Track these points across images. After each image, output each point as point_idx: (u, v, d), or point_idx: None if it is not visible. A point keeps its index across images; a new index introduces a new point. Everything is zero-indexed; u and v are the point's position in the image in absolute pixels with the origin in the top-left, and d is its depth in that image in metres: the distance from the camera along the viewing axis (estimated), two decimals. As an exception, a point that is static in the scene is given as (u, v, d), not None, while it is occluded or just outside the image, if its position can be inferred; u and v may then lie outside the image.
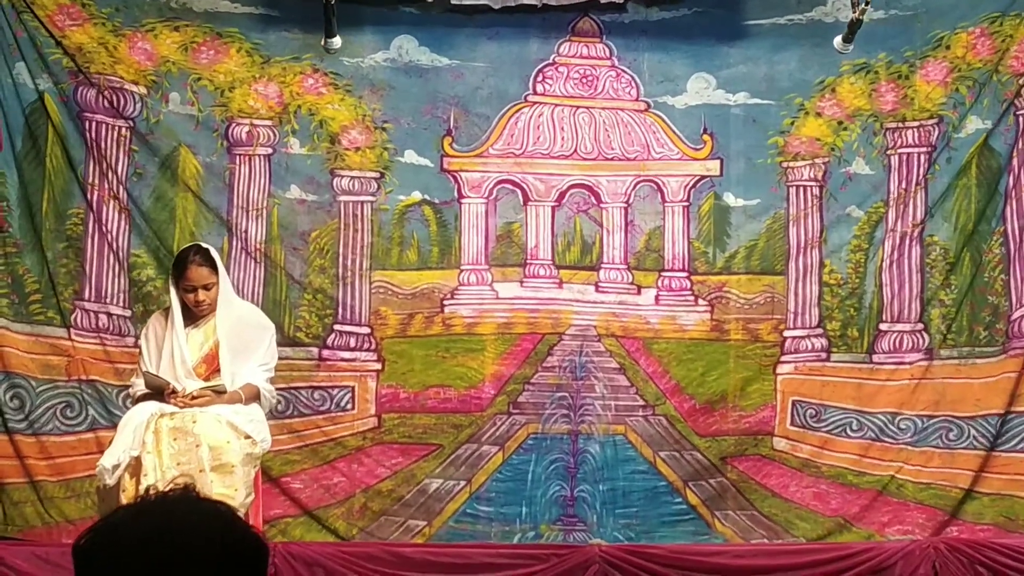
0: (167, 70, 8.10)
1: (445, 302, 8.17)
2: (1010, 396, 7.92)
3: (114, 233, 8.00)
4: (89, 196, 7.99)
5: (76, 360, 7.89)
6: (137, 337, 7.78)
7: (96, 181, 8.00)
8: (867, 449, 8.01)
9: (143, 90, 8.05)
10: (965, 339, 8.06)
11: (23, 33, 7.94)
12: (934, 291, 8.10)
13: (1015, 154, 8.05)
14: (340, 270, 8.16)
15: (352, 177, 8.20)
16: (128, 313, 8.00)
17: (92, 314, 7.96)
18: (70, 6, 7.98)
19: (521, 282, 8.23)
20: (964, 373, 8.01)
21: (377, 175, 8.21)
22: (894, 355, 8.10)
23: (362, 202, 8.21)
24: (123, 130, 8.03)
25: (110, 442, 6.48)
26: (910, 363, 8.07)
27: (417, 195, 8.23)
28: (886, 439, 8.01)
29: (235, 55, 8.17)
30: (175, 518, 2.08)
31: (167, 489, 2.22)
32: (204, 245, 6.90)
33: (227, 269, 7.18)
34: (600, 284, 8.21)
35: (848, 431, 8.05)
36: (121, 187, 8.01)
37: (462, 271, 8.22)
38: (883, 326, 8.13)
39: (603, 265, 8.23)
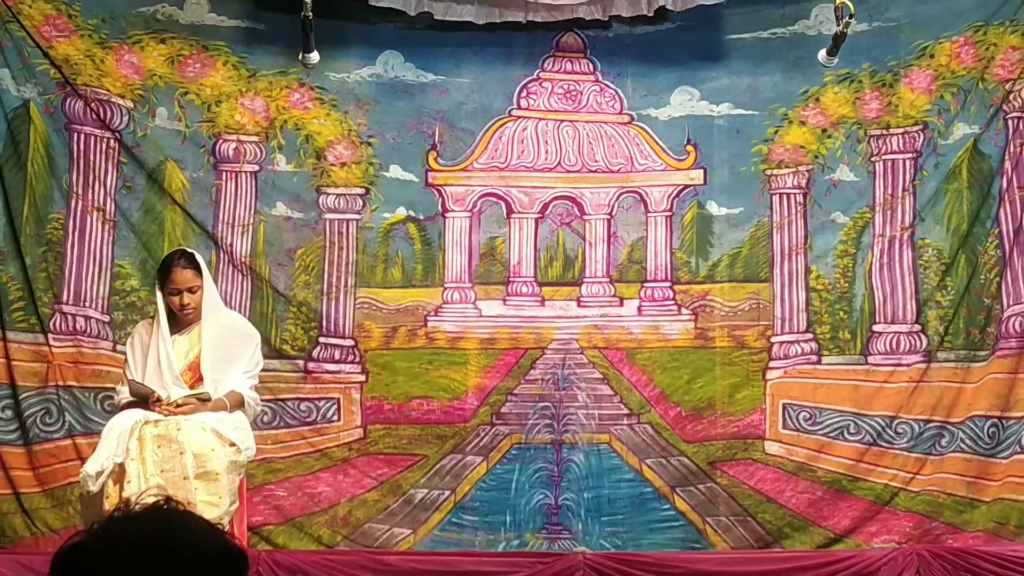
0: (154, 84, 8.09)
1: (429, 318, 8.18)
2: (1004, 400, 7.88)
3: (95, 238, 7.97)
4: (72, 203, 7.95)
5: (54, 366, 7.83)
6: (115, 342, 7.80)
7: (81, 191, 7.97)
8: (863, 454, 7.97)
9: (130, 103, 8.05)
10: (962, 341, 8.02)
11: (8, 42, 7.91)
12: (930, 292, 8.08)
13: (1007, 157, 8.06)
14: (325, 286, 8.16)
15: (337, 195, 8.21)
16: (107, 319, 7.95)
17: (70, 317, 7.91)
18: (56, 17, 7.96)
19: (504, 300, 8.24)
20: (960, 376, 7.97)
21: (362, 191, 8.22)
22: (891, 356, 8.07)
23: (347, 220, 8.22)
24: (111, 142, 8.02)
25: (93, 449, 6.48)
26: (908, 365, 8.04)
27: (402, 212, 8.24)
28: (882, 443, 7.97)
29: (221, 68, 8.19)
30: (151, 532, 2.07)
31: (142, 501, 2.19)
32: (188, 249, 6.93)
33: (215, 281, 7.20)
34: (582, 298, 8.22)
35: (846, 434, 8.02)
36: (109, 198, 7.99)
37: (446, 289, 8.23)
38: (877, 327, 8.10)
39: (585, 279, 8.24)
